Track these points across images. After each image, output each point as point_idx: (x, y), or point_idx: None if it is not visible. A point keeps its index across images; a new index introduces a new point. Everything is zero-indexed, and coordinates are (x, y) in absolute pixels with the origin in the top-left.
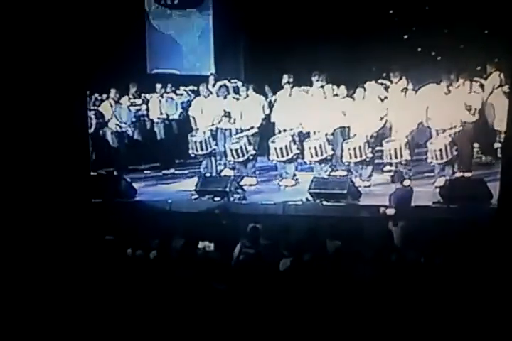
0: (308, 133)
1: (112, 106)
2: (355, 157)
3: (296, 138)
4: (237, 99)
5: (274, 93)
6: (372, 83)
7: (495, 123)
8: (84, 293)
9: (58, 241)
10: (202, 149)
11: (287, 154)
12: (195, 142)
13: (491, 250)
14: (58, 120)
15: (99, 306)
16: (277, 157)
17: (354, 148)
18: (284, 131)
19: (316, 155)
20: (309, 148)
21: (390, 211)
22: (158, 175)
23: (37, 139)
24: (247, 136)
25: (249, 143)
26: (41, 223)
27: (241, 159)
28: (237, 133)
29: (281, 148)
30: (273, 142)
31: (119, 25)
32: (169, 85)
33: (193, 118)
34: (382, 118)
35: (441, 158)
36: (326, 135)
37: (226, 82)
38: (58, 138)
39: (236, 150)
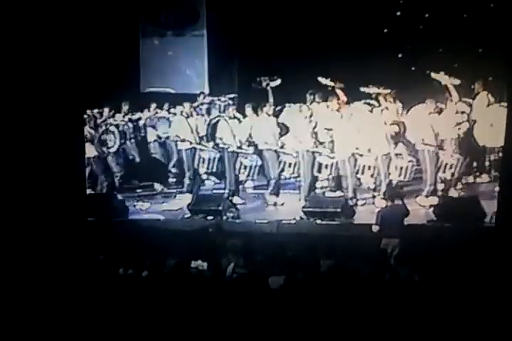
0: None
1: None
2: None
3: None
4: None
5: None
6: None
7: (483, 142)
8: (75, 314)
9: (50, 260)
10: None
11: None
12: (203, 159)
13: (484, 268)
14: (55, 140)
15: (89, 326)
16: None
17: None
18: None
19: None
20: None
21: (375, 228)
22: (150, 194)
23: (34, 156)
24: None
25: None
26: (33, 242)
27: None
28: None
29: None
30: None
31: (113, 44)
32: (163, 104)
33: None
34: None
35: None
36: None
37: (216, 100)
38: (54, 156)
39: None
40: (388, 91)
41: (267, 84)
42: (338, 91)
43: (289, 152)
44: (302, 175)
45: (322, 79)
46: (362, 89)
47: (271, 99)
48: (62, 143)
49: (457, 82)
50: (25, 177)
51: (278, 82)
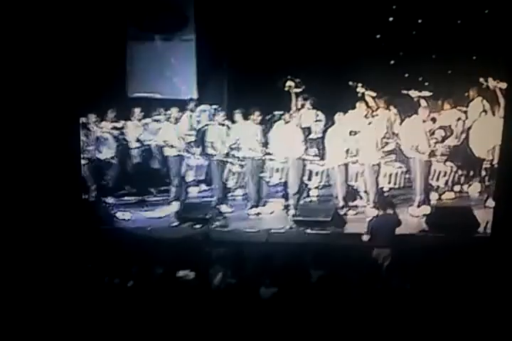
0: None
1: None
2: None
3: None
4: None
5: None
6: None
7: (478, 150)
8: (62, 322)
9: (36, 268)
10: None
11: None
12: (190, 166)
13: (478, 278)
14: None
15: (76, 335)
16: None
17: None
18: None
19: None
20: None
21: (366, 237)
22: (137, 202)
23: (26, 162)
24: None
25: None
26: (22, 247)
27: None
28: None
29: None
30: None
31: (99, 48)
32: (149, 109)
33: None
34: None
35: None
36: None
37: (207, 106)
38: (49, 162)
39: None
40: (430, 93)
41: (290, 87)
42: (368, 99)
43: (277, 158)
44: (291, 183)
45: (353, 84)
46: (404, 92)
47: (293, 104)
48: (54, 149)
49: (504, 85)
50: (16, 186)
51: (301, 88)
